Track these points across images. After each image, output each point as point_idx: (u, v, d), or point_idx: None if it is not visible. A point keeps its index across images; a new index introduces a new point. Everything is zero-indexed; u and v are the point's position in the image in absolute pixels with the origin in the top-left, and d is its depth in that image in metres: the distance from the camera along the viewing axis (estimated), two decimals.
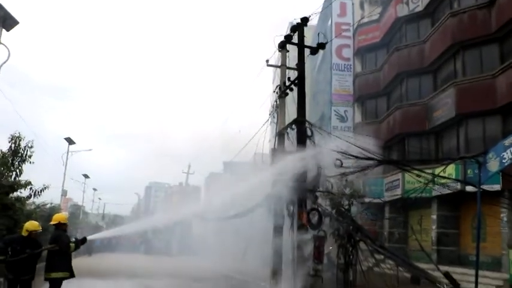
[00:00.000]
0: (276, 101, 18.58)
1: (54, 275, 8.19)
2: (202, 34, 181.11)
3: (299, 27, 16.57)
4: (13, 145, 14.76)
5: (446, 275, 8.13)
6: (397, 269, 11.27)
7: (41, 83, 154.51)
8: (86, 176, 53.31)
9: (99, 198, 69.52)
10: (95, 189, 65.40)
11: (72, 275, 8.47)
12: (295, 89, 16.44)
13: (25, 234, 8.28)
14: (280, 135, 16.90)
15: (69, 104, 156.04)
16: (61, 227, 8.59)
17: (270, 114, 19.07)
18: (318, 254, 13.58)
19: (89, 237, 10.17)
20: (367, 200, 21.92)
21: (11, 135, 14.97)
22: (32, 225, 8.46)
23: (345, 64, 28.89)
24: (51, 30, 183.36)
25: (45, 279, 8.32)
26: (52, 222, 8.60)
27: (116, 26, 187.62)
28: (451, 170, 17.85)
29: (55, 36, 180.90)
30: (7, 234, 10.69)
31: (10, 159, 14.70)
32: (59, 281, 8.27)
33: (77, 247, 8.68)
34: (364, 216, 19.78)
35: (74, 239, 8.97)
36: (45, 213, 19.62)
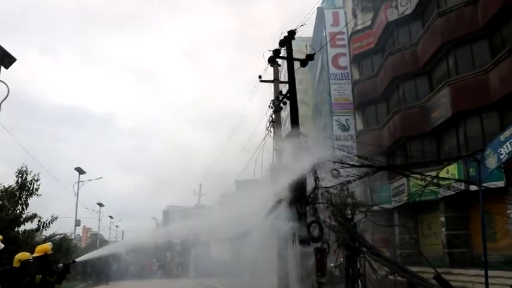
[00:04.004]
0: (272, 116, 18.62)
1: None
2: (205, 55, 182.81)
3: (286, 40, 16.65)
4: (20, 179, 15.11)
5: (437, 278, 7.92)
6: (394, 276, 11.07)
7: (54, 109, 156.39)
8: (100, 205, 53.79)
9: (117, 226, 69.78)
10: (111, 217, 65.73)
11: None
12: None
13: (17, 265, 8.24)
14: (278, 149, 16.90)
15: (82, 132, 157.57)
16: (46, 257, 8.47)
17: (267, 129, 19.08)
18: (321, 266, 13.40)
19: (78, 259, 10.21)
20: (375, 207, 21.72)
21: (18, 169, 15.34)
22: (23, 255, 8.44)
23: (342, 73, 28.86)
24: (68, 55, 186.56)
25: None
26: (36, 254, 8.37)
27: (120, 52, 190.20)
28: (453, 170, 17.63)
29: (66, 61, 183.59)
30: None
31: (17, 193, 15.03)
32: None
33: (61, 277, 8.61)
34: (370, 224, 19.47)
35: (61, 265, 8.84)
36: (55, 245, 19.92)
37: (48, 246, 9.08)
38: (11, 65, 18.49)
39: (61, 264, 8.90)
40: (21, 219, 15.11)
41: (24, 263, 8.29)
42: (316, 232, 13.94)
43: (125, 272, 41.82)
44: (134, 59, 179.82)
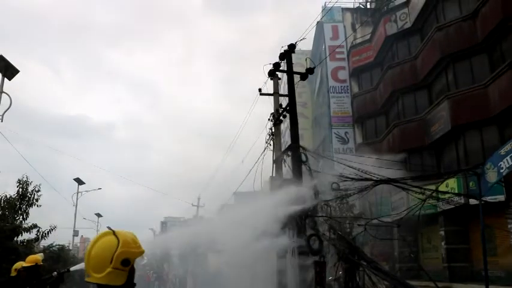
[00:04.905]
0: (271, 129, 18.61)
1: None
2: (206, 66, 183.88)
3: (286, 54, 16.69)
4: (21, 189, 15.06)
5: None
6: None
7: (53, 120, 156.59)
8: (98, 215, 53.67)
9: None
10: (109, 228, 65.42)
11: None
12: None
13: (14, 274, 8.15)
14: (277, 162, 16.85)
15: (80, 143, 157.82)
16: (37, 268, 8.33)
17: (266, 142, 19.05)
18: (320, 279, 13.29)
19: (72, 268, 10.09)
20: (375, 221, 21.54)
21: (19, 179, 15.30)
22: (19, 264, 8.34)
23: (341, 86, 28.95)
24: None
25: None
26: (26, 264, 8.16)
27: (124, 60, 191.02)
28: (453, 184, 17.54)
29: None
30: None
31: (18, 203, 14.97)
32: None
33: (54, 287, 8.49)
34: (368, 237, 19.37)
35: (55, 273, 8.72)
36: (54, 255, 19.86)
37: (38, 257, 8.94)
38: (13, 76, 18.52)
39: (55, 272, 8.75)
40: (21, 229, 15.05)
41: (19, 272, 8.24)
42: (315, 245, 13.86)
43: None
44: (133, 71, 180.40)
